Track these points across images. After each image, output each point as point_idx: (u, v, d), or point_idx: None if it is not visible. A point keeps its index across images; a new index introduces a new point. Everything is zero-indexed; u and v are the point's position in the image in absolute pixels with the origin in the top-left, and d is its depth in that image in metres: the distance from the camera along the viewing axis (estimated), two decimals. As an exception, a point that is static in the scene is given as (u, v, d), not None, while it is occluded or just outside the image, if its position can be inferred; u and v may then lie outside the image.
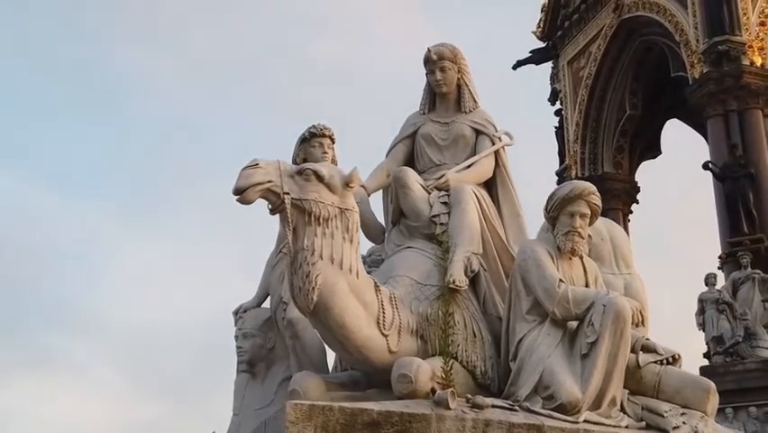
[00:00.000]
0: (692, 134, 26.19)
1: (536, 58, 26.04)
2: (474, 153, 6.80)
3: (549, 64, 26.14)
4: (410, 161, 6.90)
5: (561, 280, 5.81)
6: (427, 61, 6.91)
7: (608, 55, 24.31)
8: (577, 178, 24.16)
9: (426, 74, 6.99)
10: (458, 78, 6.94)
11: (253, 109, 45.53)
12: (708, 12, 21.48)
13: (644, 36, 23.74)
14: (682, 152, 31.28)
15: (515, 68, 26.02)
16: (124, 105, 46.40)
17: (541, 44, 26.18)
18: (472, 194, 6.39)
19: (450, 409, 5.23)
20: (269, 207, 5.60)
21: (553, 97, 25.80)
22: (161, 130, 45.48)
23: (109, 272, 42.02)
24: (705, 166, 20.79)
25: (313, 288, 5.45)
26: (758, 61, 21.31)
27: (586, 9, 24.96)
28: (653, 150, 25.87)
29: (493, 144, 6.84)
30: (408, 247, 6.27)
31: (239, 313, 6.74)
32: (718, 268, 20.05)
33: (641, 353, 5.88)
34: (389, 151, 6.97)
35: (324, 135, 6.80)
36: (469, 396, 5.46)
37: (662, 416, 5.67)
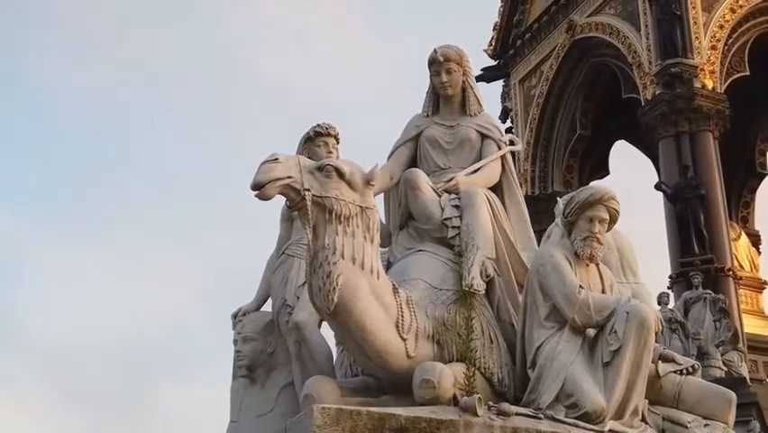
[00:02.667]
0: (639, 156, 26.48)
1: (487, 76, 26.02)
2: (480, 158, 6.66)
3: (500, 82, 26.19)
4: (413, 165, 6.72)
5: (580, 286, 5.68)
6: (433, 62, 6.76)
7: (559, 75, 24.44)
8: (527, 196, 24.19)
9: (431, 76, 6.84)
10: (463, 81, 6.81)
11: (184, 121, 44.70)
12: (661, 35, 21.71)
13: (595, 57, 23.90)
14: (629, 173, 31.60)
15: (466, 85, 25.94)
16: (44, 109, 45.28)
17: (492, 62, 26.22)
18: (485, 198, 6.25)
19: (477, 415, 5.06)
20: (288, 203, 5.40)
21: (504, 116, 25.80)
22: (85, 135, 44.56)
23: (30, 281, 41.01)
24: (657, 186, 20.95)
25: (334, 288, 5.24)
26: (709, 84, 21.57)
27: (539, 29, 25.09)
28: (600, 170, 26.02)
29: (499, 149, 6.72)
30: (420, 250, 6.09)
31: (238, 316, 6.50)
32: (668, 288, 20.17)
33: (660, 362, 5.78)
34: (391, 153, 6.79)
35: (329, 135, 6.62)
36: (491, 403, 5.30)
37: (686, 427, 5.57)
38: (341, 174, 5.37)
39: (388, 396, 5.58)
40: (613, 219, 5.96)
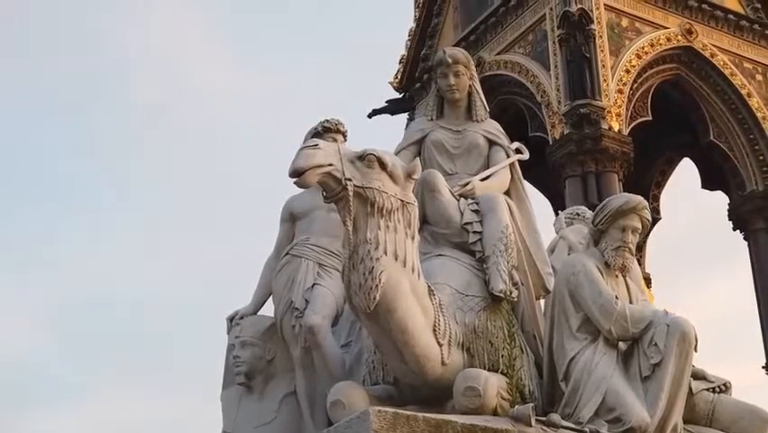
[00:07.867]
0: (536, 194, 26.66)
1: (392, 108, 25.78)
2: (488, 164, 6.42)
3: (405, 115, 26.02)
4: None
5: (616, 296, 5.45)
6: (440, 64, 6.50)
7: (466, 111, 24.44)
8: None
9: (437, 78, 6.59)
10: (470, 85, 6.59)
11: (51, 142, 42.60)
12: (570, 76, 21.91)
13: (503, 95, 23.95)
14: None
15: (370, 116, 25.77)
16: None
17: (397, 95, 26.04)
18: (505, 204, 5.98)
19: (531, 426, 4.76)
20: (325, 193, 5.01)
21: (408, 148, 25.61)
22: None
23: None
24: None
25: (376, 285, 4.87)
26: (616, 127, 21.83)
27: (446, 64, 25.09)
28: (501, 207, 26.09)
29: (508, 156, 6.50)
30: (440, 255, 5.77)
31: (234, 320, 6.04)
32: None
33: (692, 379, 5.57)
34: None
35: (338, 131, 6.27)
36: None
37: (725, 447, 5.36)
38: (383, 165, 5.03)
39: (412, 406, 5.21)
40: (645, 229, 5.77)
